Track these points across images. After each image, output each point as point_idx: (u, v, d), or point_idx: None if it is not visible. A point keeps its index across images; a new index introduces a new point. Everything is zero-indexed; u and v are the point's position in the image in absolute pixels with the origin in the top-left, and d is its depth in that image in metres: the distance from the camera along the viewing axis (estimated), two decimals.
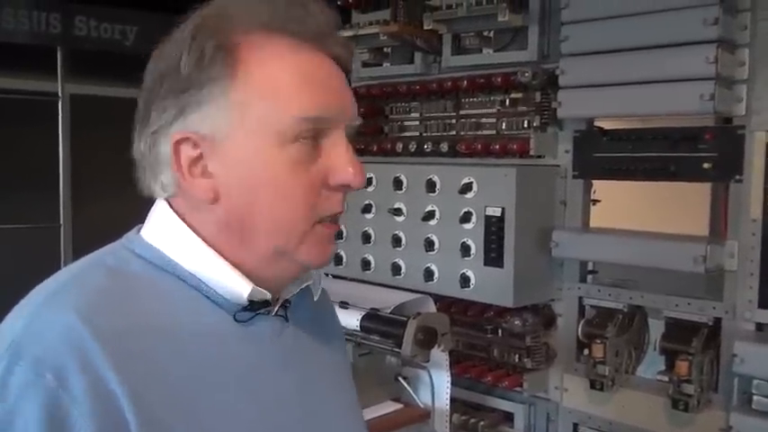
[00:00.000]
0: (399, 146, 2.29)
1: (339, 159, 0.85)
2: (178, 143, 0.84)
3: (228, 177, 0.84)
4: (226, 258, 0.86)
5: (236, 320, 0.87)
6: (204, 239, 0.86)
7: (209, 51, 0.82)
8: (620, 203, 2.21)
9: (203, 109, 0.82)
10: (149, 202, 0.91)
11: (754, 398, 1.63)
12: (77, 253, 0.84)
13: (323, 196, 0.86)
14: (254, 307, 0.88)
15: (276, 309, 0.91)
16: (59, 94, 4.55)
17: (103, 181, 3.80)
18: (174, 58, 0.83)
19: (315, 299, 0.99)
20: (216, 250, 0.86)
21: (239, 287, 0.85)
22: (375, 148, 2.37)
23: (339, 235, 2.30)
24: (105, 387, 0.72)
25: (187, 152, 0.84)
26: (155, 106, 0.85)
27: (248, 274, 0.86)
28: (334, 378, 1.03)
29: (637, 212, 2.31)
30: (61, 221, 4.59)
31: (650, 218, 2.17)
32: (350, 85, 0.91)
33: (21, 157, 4.36)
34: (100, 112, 4.33)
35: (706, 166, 1.74)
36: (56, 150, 4.54)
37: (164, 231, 0.88)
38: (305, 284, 0.95)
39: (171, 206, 0.88)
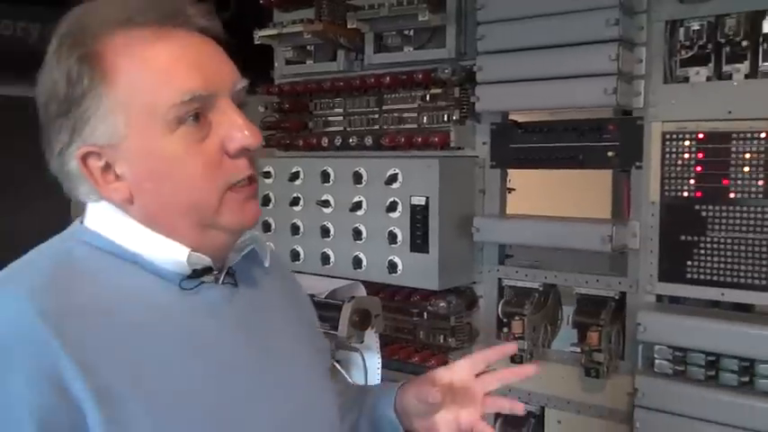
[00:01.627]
0: (325, 140, 2.35)
1: (230, 127, 0.90)
2: (83, 159, 0.89)
3: (135, 176, 0.89)
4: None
5: (182, 288, 0.92)
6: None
7: (74, 67, 0.86)
8: (533, 191, 2.36)
9: (91, 122, 0.87)
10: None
11: (656, 362, 1.79)
12: None
13: (226, 165, 0.90)
14: (198, 275, 0.93)
15: (223, 277, 0.97)
16: None
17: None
18: (49, 82, 0.88)
19: (266, 265, 1.05)
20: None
21: (177, 254, 0.91)
22: (301, 143, 2.43)
23: (267, 227, 2.35)
24: (54, 368, 0.76)
25: (94, 164, 0.89)
26: (51, 130, 0.90)
27: (191, 248, 0.91)
28: (296, 339, 1.07)
29: (546, 198, 2.47)
30: None
31: (556, 203, 2.33)
32: (228, 47, 0.94)
33: None
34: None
35: (610, 154, 1.91)
36: None
37: (103, 219, 0.93)
38: (245, 251, 1.01)
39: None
